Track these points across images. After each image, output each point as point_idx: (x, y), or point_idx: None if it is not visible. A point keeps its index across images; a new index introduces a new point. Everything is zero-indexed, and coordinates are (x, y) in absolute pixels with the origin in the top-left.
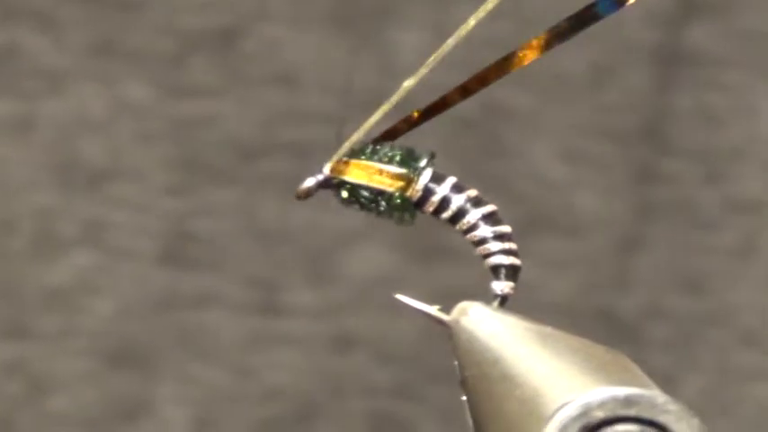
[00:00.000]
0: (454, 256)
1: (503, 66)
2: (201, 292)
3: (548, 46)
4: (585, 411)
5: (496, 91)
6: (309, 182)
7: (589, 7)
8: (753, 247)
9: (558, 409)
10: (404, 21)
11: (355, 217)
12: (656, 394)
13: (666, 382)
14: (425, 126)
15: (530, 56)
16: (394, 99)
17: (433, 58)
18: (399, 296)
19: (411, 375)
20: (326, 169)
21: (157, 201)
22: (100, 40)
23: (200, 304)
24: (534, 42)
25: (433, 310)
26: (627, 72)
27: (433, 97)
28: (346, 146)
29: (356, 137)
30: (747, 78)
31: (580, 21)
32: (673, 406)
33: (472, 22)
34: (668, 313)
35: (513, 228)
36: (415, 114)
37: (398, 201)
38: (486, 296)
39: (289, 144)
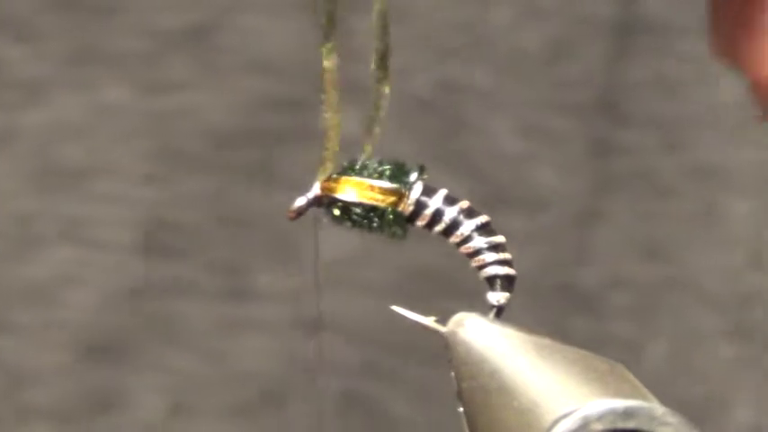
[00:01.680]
0: (418, 235)
1: None
2: (177, 280)
3: None
4: (584, 424)
5: (453, 68)
6: (300, 201)
7: None
8: (712, 211)
9: (556, 422)
10: (365, 7)
11: None
12: (654, 406)
13: (631, 350)
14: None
15: None
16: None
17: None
18: (395, 308)
19: (380, 355)
20: (317, 188)
21: (134, 192)
22: (77, 46)
23: (175, 293)
24: None
25: (429, 321)
26: (583, 45)
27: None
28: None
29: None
30: (705, 46)
31: None
32: (672, 418)
33: None
34: (630, 282)
35: (473, 204)
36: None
37: (391, 216)
38: (481, 307)
39: (263, 131)
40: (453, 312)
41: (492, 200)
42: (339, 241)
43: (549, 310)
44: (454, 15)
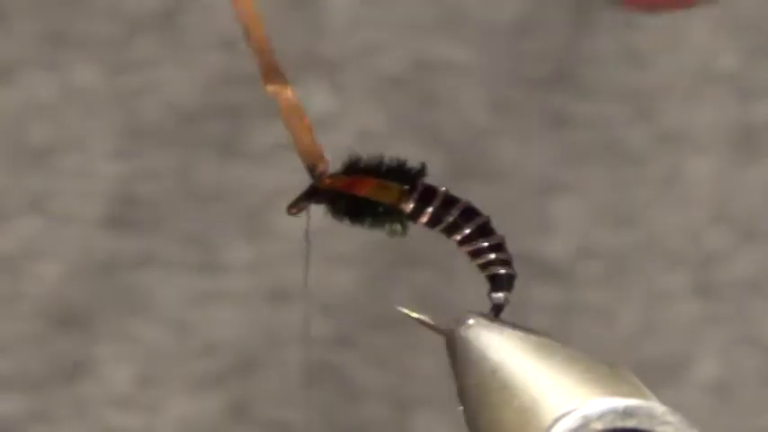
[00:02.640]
0: None
1: None
2: (142, 253)
3: None
4: (584, 423)
5: (424, 45)
6: (301, 197)
7: None
8: (674, 174)
9: (556, 421)
10: None
11: (288, 174)
12: (654, 405)
13: (601, 317)
14: (358, 81)
15: None
16: None
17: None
18: (399, 308)
19: (349, 325)
20: (318, 184)
21: (101, 167)
22: (47, 29)
23: (140, 265)
24: None
25: (430, 321)
26: (550, 19)
27: None
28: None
29: None
30: (666, 17)
31: None
32: (672, 417)
33: None
34: (598, 250)
35: (442, 177)
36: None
37: (391, 214)
38: (481, 305)
39: (227, 106)
40: (452, 308)
41: (458, 172)
42: (310, 213)
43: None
44: None
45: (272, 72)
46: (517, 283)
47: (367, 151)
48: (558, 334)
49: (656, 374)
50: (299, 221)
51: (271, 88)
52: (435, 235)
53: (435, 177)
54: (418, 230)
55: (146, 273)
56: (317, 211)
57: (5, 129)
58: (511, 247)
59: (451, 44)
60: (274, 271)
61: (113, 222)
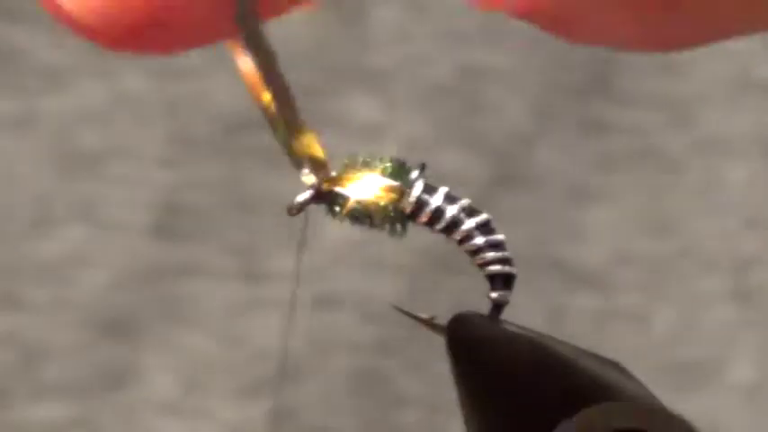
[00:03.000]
0: None
1: None
2: (188, 261)
3: None
4: (585, 423)
5: (470, 54)
6: (302, 196)
7: None
8: (711, 180)
9: (556, 421)
10: None
11: None
12: (654, 405)
13: (637, 322)
14: (405, 91)
15: None
16: None
17: None
18: (395, 306)
19: (393, 333)
20: (318, 183)
21: (149, 175)
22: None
23: (186, 274)
24: None
25: (430, 319)
26: None
27: None
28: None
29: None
30: None
31: None
32: (672, 417)
33: None
34: (635, 257)
35: (484, 183)
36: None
37: (392, 213)
38: (482, 305)
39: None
40: (456, 309)
41: (501, 178)
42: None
43: (551, 285)
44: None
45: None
46: (555, 289)
47: (414, 159)
48: (595, 339)
49: (691, 378)
50: (343, 232)
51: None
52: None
53: (478, 184)
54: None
55: (192, 281)
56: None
57: (55, 135)
58: (549, 253)
59: (495, 53)
60: (318, 279)
61: (160, 231)
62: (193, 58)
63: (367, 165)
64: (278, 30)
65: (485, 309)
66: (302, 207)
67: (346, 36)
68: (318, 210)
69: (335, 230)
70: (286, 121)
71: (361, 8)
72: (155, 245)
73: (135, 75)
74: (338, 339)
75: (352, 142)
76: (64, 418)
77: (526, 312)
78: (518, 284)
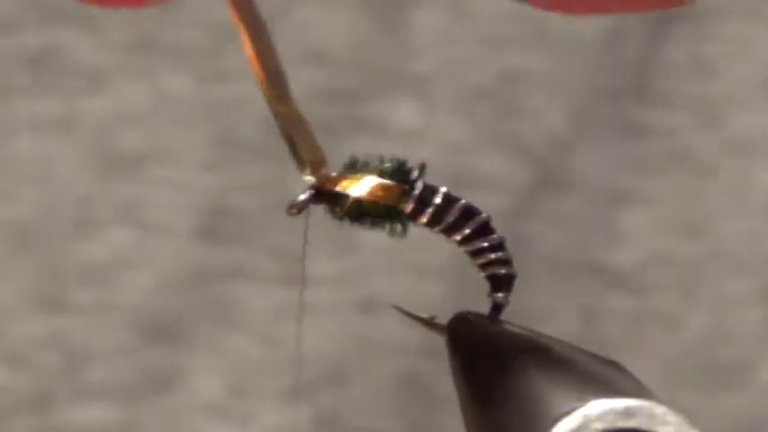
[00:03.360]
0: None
1: None
2: (233, 265)
3: None
4: (584, 423)
5: (510, 58)
6: (302, 197)
7: None
8: (743, 183)
9: (556, 421)
10: (426, 2)
11: None
12: (654, 405)
13: (670, 324)
14: (445, 95)
15: None
16: None
17: None
18: (395, 306)
19: (436, 335)
20: (319, 183)
21: (192, 178)
22: (139, 37)
23: (231, 277)
24: None
25: (430, 319)
26: (631, 31)
27: None
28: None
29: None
30: (740, 27)
31: None
32: (672, 417)
33: None
34: (668, 259)
35: (523, 187)
36: None
37: (391, 214)
38: (529, 310)
39: (317, 121)
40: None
41: (539, 182)
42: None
43: (586, 287)
44: (512, 7)
45: (270, 84)
46: (589, 291)
47: (453, 163)
48: (627, 340)
49: (723, 379)
50: (385, 236)
51: (272, 105)
52: (517, 248)
53: (518, 188)
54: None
55: (236, 285)
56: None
57: (98, 135)
58: (582, 256)
59: (535, 57)
60: (362, 283)
61: (205, 234)
62: (236, 59)
63: (367, 165)
64: (319, 33)
65: (531, 312)
66: (302, 207)
67: (387, 40)
68: None
69: (378, 236)
70: (275, 95)
71: (401, 12)
72: (199, 248)
73: (177, 77)
74: (382, 342)
75: (392, 146)
76: (108, 421)
77: (561, 314)
78: (553, 287)
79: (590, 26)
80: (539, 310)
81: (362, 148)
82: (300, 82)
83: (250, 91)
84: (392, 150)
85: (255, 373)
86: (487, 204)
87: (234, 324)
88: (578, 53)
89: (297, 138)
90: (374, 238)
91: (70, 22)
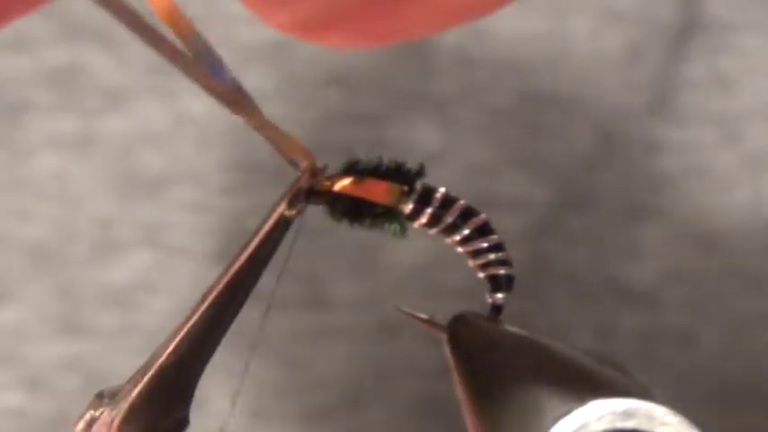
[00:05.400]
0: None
1: None
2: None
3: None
4: (584, 423)
5: (532, 79)
6: (302, 198)
7: None
8: (762, 199)
9: (556, 421)
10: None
11: None
12: (654, 406)
13: (684, 341)
14: (466, 117)
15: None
16: None
17: None
18: (397, 306)
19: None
20: (318, 186)
21: (213, 201)
22: (158, 57)
23: (251, 301)
24: None
25: (431, 320)
26: (651, 48)
27: None
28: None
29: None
30: (758, 41)
31: None
32: (671, 418)
33: None
34: (684, 275)
35: (546, 206)
36: None
37: (391, 215)
38: (481, 306)
39: (338, 144)
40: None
41: (561, 201)
42: (417, 248)
43: (603, 303)
44: (532, 28)
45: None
46: (604, 308)
47: (474, 184)
48: (641, 357)
49: (739, 396)
50: (405, 257)
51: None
52: (537, 266)
53: (540, 207)
54: (517, 263)
55: (255, 308)
56: (429, 247)
57: (117, 155)
58: (598, 272)
59: (554, 76)
60: (381, 306)
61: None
62: (256, 82)
63: (366, 166)
64: (340, 55)
65: (545, 328)
66: (301, 210)
67: (408, 62)
68: (382, 236)
69: (399, 255)
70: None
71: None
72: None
73: (197, 98)
74: (401, 365)
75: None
76: None
77: (576, 330)
78: (569, 303)
79: (609, 45)
80: (555, 327)
81: None
82: (322, 104)
83: (269, 114)
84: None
85: (276, 397)
86: (508, 224)
87: (251, 347)
88: (598, 72)
89: (280, 142)
90: (393, 260)
91: (92, 41)
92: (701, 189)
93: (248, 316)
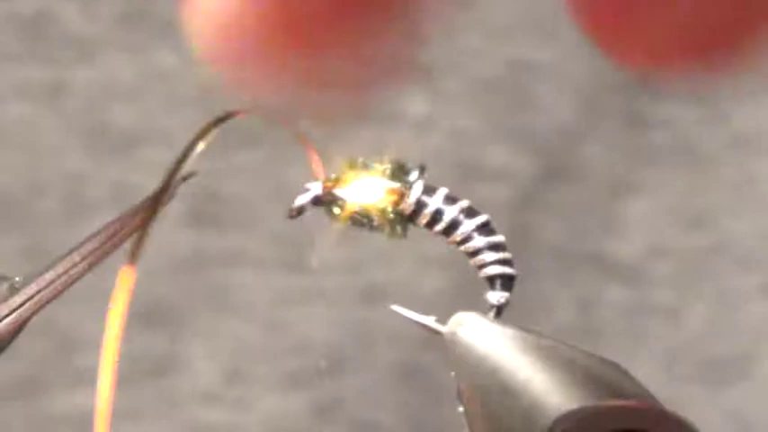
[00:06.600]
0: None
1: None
2: (230, 251)
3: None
4: (584, 423)
5: (518, 48)
6: (302, 199)
7: None
8: (747, 177)
9: (556, 421)
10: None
11: None
12: (654, 406)
13: (670, 316)
14: (450, 86)
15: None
16: None
17: None
18: (395, 307)
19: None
20: (318, 186)
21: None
22: (129, 9)
23: (228, 263)
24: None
25: (430, 320)
26: None
27: None
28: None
29: None
30: None
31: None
32: (671, 417)
33: None
34: (670, 251)
35: (530, 177)
36: None
37: (391, 215)
38: (481, 307)
39: (313, 108)
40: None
41: (545, 172)
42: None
43: (586, 277)
44: None
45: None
46: (589, 282)
47: (460, 152)
48: (627, 332)
49: (723, 372)
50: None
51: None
52: (519, 237)
53: (524, 178)
54: (499, 232)
55: (231, 271)
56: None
57: (87, 109)
58: (584, 246)
59: (542, 48)
60: (364, 271)
61: (198, 219)
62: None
63: (367, 166)
64: None
65: (530, 302)
66: (302, 210)
67: (394, 29)
68: None
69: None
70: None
71: (409, 2)
72: (194, 234)
73: (167, 51)
74: (383, 333)
75: (401, 136)
76: None
77: (561, 304)
78: (554, 276)
79: None
80: (538, 299)
81: (370, 137)
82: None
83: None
84: (401, 140)
85: (253, 360)
86: (492, 194)
87: (232, 310)
88: (585, 45)
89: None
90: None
91: None
92: (689, 165)
93: (230, 278)
